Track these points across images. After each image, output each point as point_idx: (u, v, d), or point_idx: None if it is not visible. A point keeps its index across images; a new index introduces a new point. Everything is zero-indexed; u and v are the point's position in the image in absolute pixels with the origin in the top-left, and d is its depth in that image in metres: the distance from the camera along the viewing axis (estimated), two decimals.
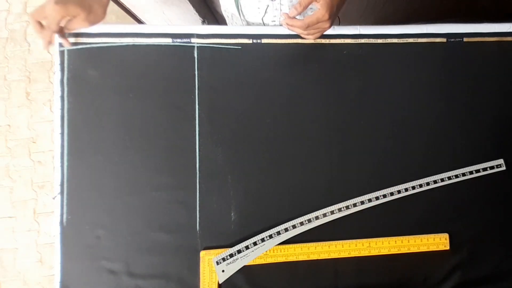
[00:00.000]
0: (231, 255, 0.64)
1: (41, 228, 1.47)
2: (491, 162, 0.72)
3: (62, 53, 0.67)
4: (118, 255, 0.66)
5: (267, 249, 0.65)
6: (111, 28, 0.68)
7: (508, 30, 0.74)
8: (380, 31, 0.72)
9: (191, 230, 0.67)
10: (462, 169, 0.71)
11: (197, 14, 1.21)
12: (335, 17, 0.64)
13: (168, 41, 0.68)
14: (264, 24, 0.72)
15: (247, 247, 0.64)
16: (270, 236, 0.65)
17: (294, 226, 0.66)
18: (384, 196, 0.69)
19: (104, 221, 0.66)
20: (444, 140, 0.72)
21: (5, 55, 1.55)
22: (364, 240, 0.68)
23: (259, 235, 0.66)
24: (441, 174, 0.71)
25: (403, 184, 0.70)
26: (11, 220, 1.47)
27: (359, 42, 0.72)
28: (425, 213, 0.71)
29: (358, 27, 0.71)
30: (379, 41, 0.72)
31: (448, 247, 0.69)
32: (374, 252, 0.68)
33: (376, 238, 0.68)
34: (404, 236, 0.69)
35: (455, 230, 0.70)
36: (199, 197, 0.67)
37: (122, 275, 0.65)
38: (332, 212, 0.67)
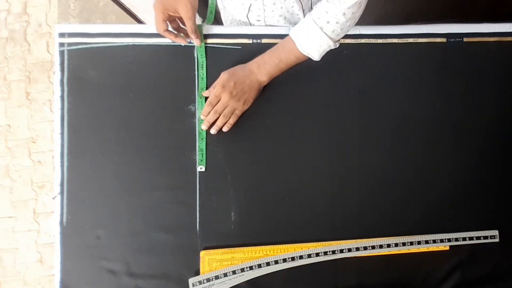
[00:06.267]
0: (208, 280, 0.64)
1: (41, 228, 1.47)
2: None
3: (62, 53, 0.67)
4: (118, 255, 0.66)
5: (246, 280, 0.65)
6: (111, 28, 0.68)
7: (508, 30, 0.74)
8: (380, 31, 0.72)
9: (191, 230, 0.67)
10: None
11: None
12: (239, 95, 0.65)
13: (168, 41, 0.68)
14: (249, 22, 0.72)
15: (225, 275, 0.64)
16: (251, 268, 0.65)
17: (276, 262, 0.66)
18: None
19: (104, 221, 0.66)
20: (444, 139, 0.72)
21: (5, 55, 1.54)
22: (364, 240, 0.68)
23: (240, 264, 0.65)
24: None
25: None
26: (11, 220, 1.47)
27: (359, 42, 0.72)
28: (425, 213, 0.71)
29: (358, 27, 0.71)
30: (379, 41, 0.72)
31: (448, 247, 0.69)
32: (374, 252, 0.68)
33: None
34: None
35: (455, 230, 0.70)
36: (199, 197, 0.67)
37: (122, 275, 0.65)
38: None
